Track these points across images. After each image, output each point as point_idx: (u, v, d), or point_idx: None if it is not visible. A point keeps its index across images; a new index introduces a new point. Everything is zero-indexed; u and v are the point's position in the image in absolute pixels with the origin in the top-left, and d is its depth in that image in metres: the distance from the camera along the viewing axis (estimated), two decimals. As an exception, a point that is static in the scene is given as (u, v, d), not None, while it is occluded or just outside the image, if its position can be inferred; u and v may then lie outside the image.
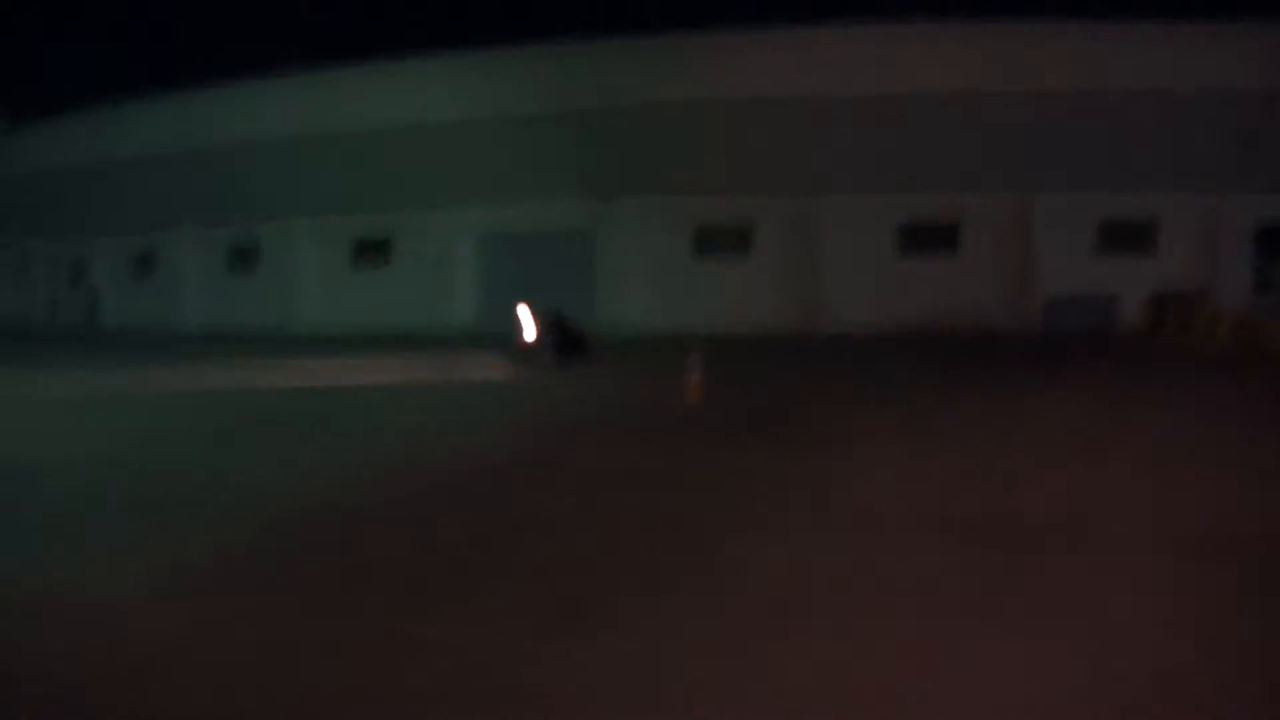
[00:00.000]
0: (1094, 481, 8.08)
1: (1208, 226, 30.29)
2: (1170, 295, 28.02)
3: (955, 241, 30.65)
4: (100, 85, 41.03)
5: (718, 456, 9.65)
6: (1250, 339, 22.79)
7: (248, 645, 4.60)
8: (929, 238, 30.64)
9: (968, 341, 24.98)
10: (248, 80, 34.13)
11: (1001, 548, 6.06)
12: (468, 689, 4.04)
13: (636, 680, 4.11)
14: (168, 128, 35.74)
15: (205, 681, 4.19)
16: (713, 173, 30.05)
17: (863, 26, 28.30)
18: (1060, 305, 29.25)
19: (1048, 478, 8.29)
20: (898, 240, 30.78)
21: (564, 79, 29.63)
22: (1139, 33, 27.90)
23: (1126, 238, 30.53)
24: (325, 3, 49.86)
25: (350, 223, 35.15)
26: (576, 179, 30.98)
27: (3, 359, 25.47)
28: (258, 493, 8.21)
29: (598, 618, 4.89)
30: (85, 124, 39.15)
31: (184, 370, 20.68)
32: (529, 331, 19.88)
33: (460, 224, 33.40)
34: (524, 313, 20.03)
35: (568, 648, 4.46)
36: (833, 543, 6.34)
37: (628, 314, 31.20)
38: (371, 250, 35.44)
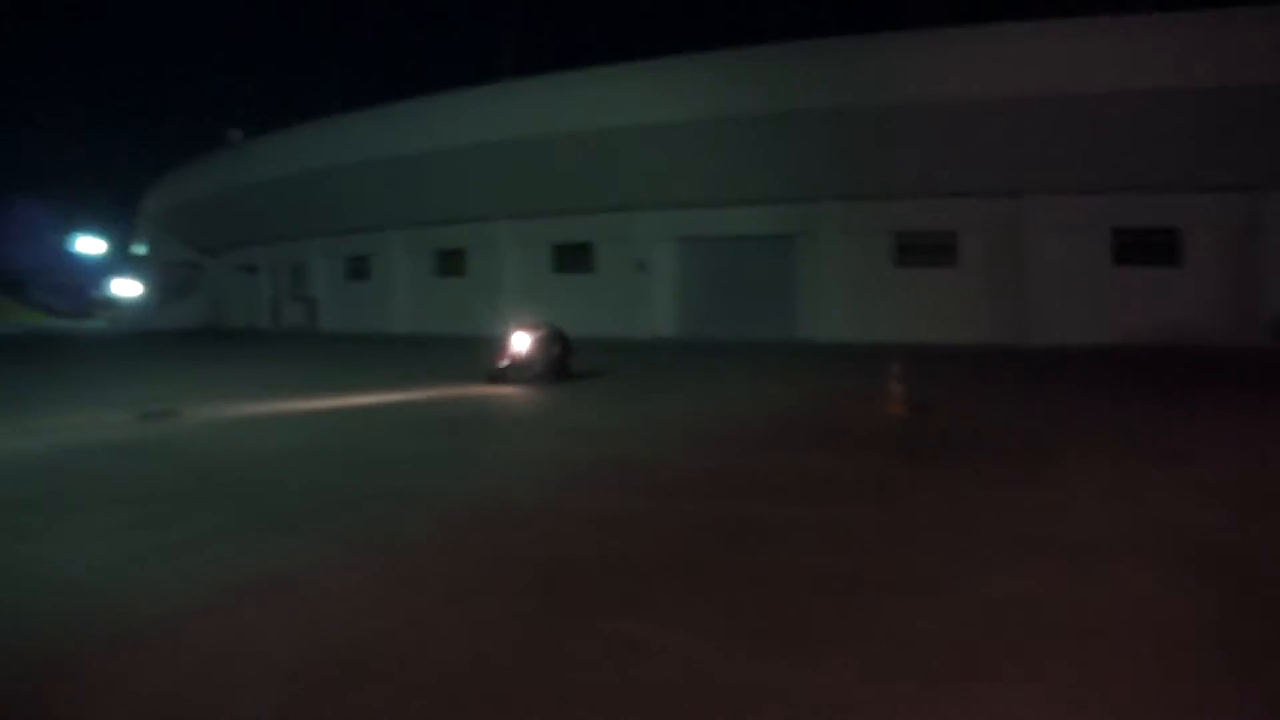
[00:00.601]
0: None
1: None
2: None
3: (1175, 249, 29.05)
4: (321, 101, 43.81)
5: (922, 471, 9.51)
6: None
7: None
8: (1146, 246, 29.17)
9: (1189, 359, 23.65)
10: (458, 90, 35.80)
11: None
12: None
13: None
14: (381, 138, 37.78)
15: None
16: (916, 178, 29.56)
17: (1076, 21, 27.05)
18: (1292, 320, 27.43)
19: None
20: (1112, 248, 29.41)
21: (765, 82, 29.59)
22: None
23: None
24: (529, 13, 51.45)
25: (552, 226, 36.28)
26: (778, 184, 31.00)
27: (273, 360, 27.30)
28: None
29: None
30: (306, 137, 41.84)
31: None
32: (518, 348, 17.45)
33: (661, 228, 33.96)
34: (518, 333, 17.63)
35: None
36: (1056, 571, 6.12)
37: (826, 323, 31.06)
38: (572, 254, 36.45)
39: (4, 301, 75.11)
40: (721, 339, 31.17)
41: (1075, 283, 29.13)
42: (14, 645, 4.98)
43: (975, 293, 29.92)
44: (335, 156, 39.48)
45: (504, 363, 17.33)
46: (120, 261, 72.14)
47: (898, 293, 30.73)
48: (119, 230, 74.06)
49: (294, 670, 4.43)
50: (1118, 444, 10.71)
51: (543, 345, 17.53)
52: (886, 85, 28.11)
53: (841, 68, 28.62)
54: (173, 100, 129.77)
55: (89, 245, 78.61)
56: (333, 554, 6.38)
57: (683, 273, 34.20)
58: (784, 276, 32.34)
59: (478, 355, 21.26)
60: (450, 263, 40.01)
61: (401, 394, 16.10)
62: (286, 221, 45.11)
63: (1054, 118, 26.95)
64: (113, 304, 70.29)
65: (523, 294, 36.86)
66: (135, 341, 38.33)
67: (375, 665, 4.44)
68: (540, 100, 33.34)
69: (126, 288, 67.72)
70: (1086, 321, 28.63)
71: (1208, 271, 28.69)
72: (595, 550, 6.34)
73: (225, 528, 7.35)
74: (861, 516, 7.35)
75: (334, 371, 22.23)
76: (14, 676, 4.57)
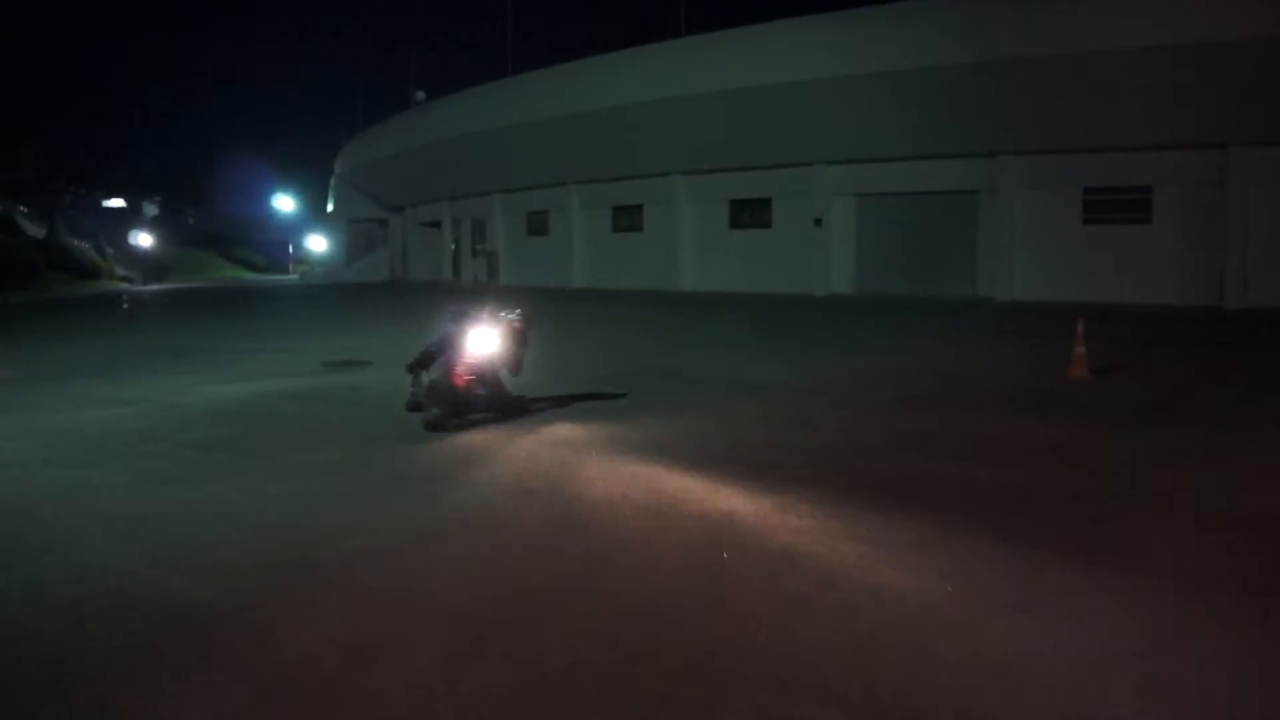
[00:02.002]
0: None
1: None
2: None
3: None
4: (498, 62, 45.16)
5: (1100, 436, 9.45)
6: None
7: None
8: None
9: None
10: (634, 47, 36.28)
11: None
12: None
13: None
14: (559, 96, 38.63)
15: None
16: (1106, 130, 28.26)
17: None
18: None
19: None
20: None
21: (947, 34, 28.81)
22: None
23: None
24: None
25: (729, 181, 36.41)
26: (959, 137, 30.26)
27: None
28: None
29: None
30: (486, 96, 43.23)
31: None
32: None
33: (839, 183, 33.72)
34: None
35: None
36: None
37: (1008, 281, 30.30)
38: (749, 210, 36.60)
39: (210, 256, 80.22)
40: (899, 297, 30.83)
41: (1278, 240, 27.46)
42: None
43: (1170, 251, 28.52)
44: (515, 115, 40.60)
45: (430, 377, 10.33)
46: (313, 220, 76.25)
47: (1085, 250, 29.61)
48: (313, 190, 78.17)
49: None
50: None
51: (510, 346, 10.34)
52: (1073, 33, 26.98)
53: (1026, 16, 27.56)
54: (363, 63, 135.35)
55: (285, 204, 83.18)
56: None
57: (861, 229, 33.91)
58: (964, 233, 31.65)
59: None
60: (627, 218, 40.69)
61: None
62: (468, 178, 46.77)
63: (1258, 64, 25.31)
64: (306, 259, 74.42)
65: (699, 250, 37.33)
66: (326, 294, 40.62)
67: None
68: (717, 56, 33.45)
69: (318, 244, 71.54)
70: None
71: None
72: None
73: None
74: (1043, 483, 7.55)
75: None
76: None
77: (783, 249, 34.93)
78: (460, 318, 10.13)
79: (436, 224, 53.72)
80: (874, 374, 14.02)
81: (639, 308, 28.97)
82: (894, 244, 33.11)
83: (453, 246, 51.73)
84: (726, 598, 5.02)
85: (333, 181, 67.48)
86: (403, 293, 39.80)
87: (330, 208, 68.73)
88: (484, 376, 10.10)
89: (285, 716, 3.89)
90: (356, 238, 64.63)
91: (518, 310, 10.48)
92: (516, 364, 10.38)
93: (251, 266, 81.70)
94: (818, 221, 33.80)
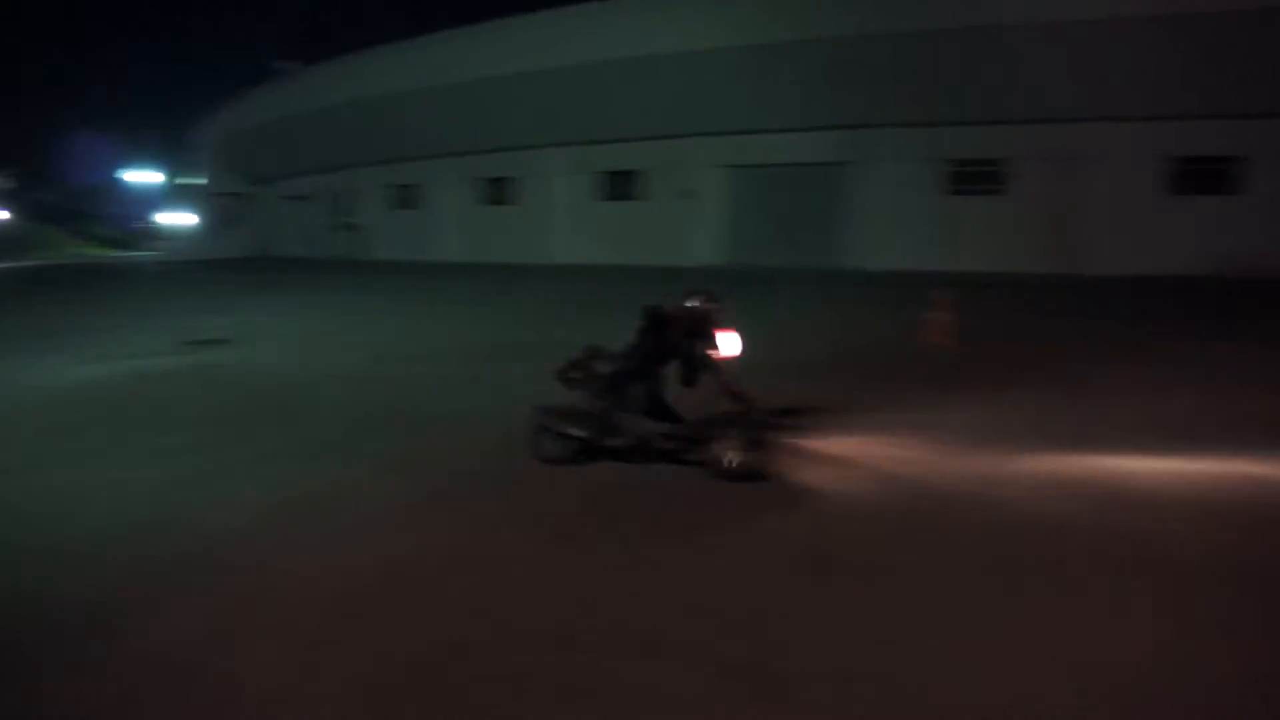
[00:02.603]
0: None
1: None
2: None
3: (1237, 177, 28.37)
4: (374, 29, 43.80)
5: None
6: None
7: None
8: (1205, 174, 28.52)
9: (1247, 289, 23.26)
10: (507, 17, 35.63)
11: None
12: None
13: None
14: (429, 66, 37.79)
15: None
16: (967, 104, 28.99)
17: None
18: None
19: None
20: (1168, 176, 28.78)
21: (818, 7, 29.16)
22: None
23: None
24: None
25: (599, 153, 36.12)
26: (827, 110, 30.59)
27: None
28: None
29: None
30: (356, 66, 41.95)
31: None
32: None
33: (711, 155, 33.73)
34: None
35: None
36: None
37: (876, 251, 30.85)
38: (621, 182, 36.38)
39: (64, 234, 76.25)
40: (770, 268, 31.08)
41: (1129, 211, 28.61)
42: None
43: (1028, 221, 29.47)
44: (384, 85, 39.57)
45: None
46: (170, 193, 73.00)
47: (949, 221, 30.38)
48: (170, 162, 74.81)
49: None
50: (1145, 364, 11.29)
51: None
52: (938, 8, 27.57)
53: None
54: (224, 31, 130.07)
55: (141, 177, 79.47)
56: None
57: (732, 201, 34.02)
58: (834, 204, 32.06)
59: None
60: (499, 191, 40.04)
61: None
62: (336, 150, 45.36)
63: (1111, 42, 26.29)
64: (165, 234, 71.25)
65: (571, 222, 36.97)
66: (187, 271, 38.99)
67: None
68: (589, 26, 33.12)
69: (177, 218, 68.55)
70: (1142, 251, 28.13)
71: (1271, 200, 28.01)
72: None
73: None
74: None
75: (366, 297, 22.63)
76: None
77: (655, 221, 34.87)
78: (696, 311, 7.31)
79: (305, 197, 52.05)
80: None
81: (503, 282, 28.56)
82: (765, 215, 33.34)
83: (320, 221, 50.17)
84: None
85: (195, 154, 64.76)
86: (268, 269, 38.39)
87: (191, 181, 65.92)
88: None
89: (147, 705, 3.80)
90: (221, 212, 62.15)
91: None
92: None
93: (111, 243, 77.93)
94: (686, 193, 33.83)
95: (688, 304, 7.29)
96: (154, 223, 75.05)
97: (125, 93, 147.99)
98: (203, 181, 62.92)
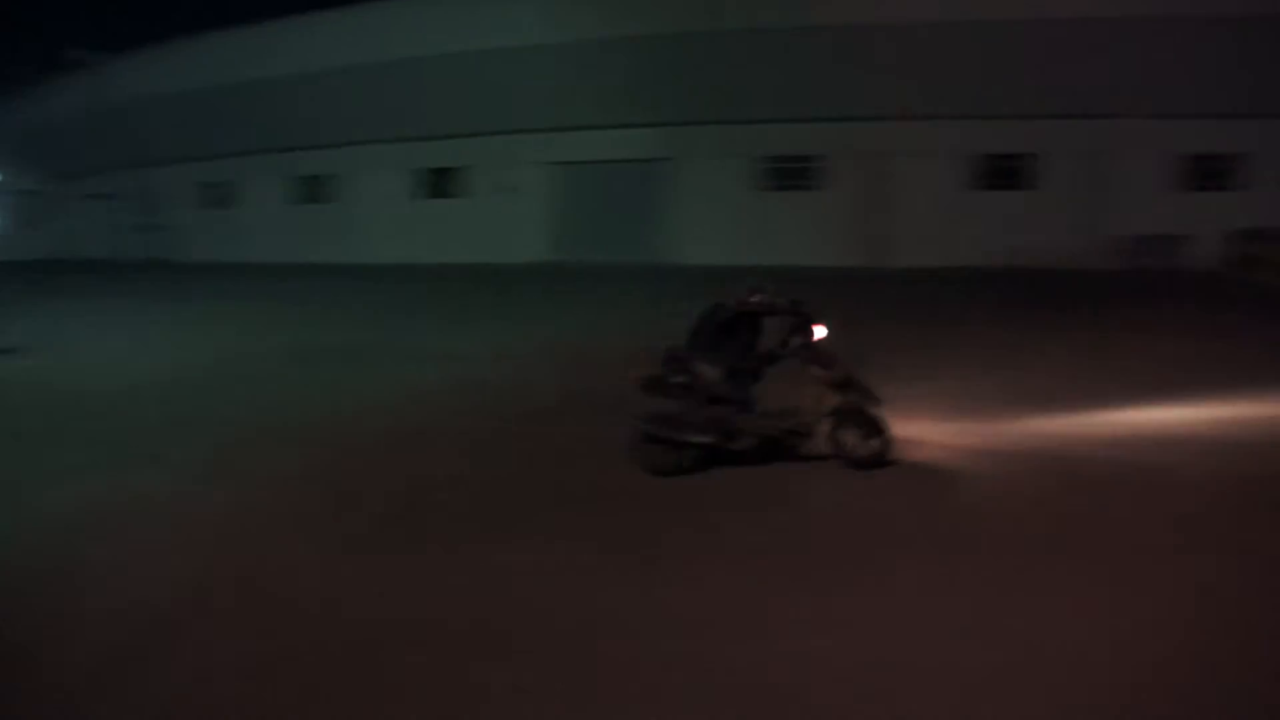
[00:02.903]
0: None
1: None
2: (1255, 232, 27.29)
3: (1029, 174, 30.04)
4: (177, 20, 41.66)
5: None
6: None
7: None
8: (1002, 170, 30.10)
9: (1039, 279, 24.62)
10: (319, 10, 34.43)
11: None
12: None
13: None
14: (242, 60, 36.14)
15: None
16: (784, 102, 29.69)
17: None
18: (1137, 243, 28.63)
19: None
20: (969, 172, 30.23)
21: (636, 6, 29.30)
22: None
23: (1209, 172, 29.72)
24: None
25: (418, 150, 35.32)
26: (649, 107, 30.77)
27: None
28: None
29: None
30: (163, 58, 39.77)
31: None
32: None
33: (532, 152, 33.44)
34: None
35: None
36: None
37: (695, 246, 31.23)
38: (439, 179, 35.65)
39: None
40: (593, 264, 31.08)
41: (933, 207, 29.88)
42: None
43: (838, 215, 30.42)
44: (193, 78, 37.66)
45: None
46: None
47: (762, 216, 31.05)
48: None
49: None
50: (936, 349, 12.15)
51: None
52: (754, 8, 28.10)
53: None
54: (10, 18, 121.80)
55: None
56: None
57: (553, 197, 33.82)
58: (653, 200, 32.31)
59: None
60: (316, 189, 38.67)
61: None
62: (142, 146, 42.89)
63: (920, 43, 27.38)
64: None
65: (392, 220, 36.07)
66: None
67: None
68: (408, 21, 32.30)
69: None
70: (945, 244, 29.37)
71: (1061, 196, 29.74)
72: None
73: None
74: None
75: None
76: None
77: (477, 218, 34.34)
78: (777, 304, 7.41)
79: (109, 196, 49.05)
80: (564, 339, 13.94)
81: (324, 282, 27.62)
82: (587, 212, 33.30)
83: (125, 220, 47.39)
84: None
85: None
86: (67, 272, 36.12)
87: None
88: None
89: None
90: (16, 211, 58.10)
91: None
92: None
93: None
94: (507, 190, 33.49)
95: (754, 299, 7.24)
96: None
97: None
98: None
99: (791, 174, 31.12)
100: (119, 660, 4.03)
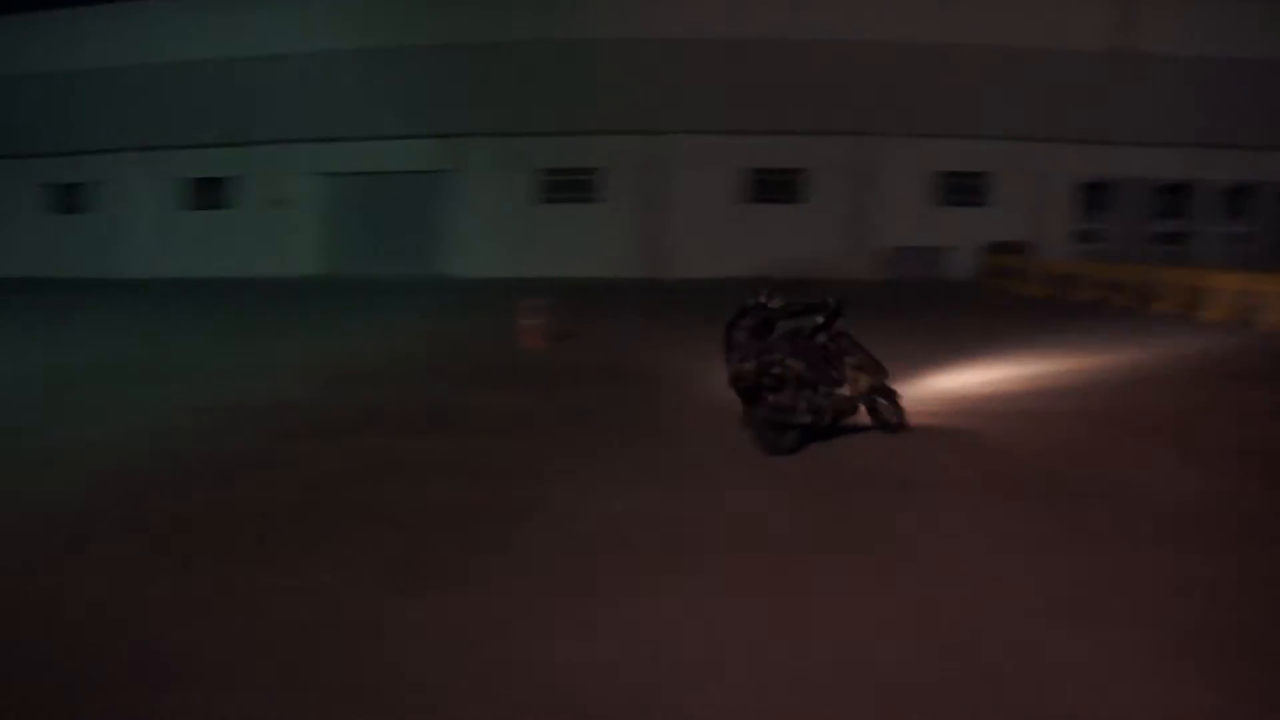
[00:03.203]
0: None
1: (1037, 179, 31.69)
2: (1002, 245, 29.29)
3: (800, 188, 31.24)
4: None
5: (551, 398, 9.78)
6: (1070, 286, 24.14)
7: None
8: (775, 184, 31.18)
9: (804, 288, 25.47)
10: (78, 6, 32.13)
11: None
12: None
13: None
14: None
15: None
16: (562, 115, 29.77)
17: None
18: (901, 254, 30.17)
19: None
20: (744, 186, 31.18)
21: (411, 15, 28.75)
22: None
23: (963, 189, 31.70)
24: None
25: (186, 159, 33.42)
26: (426, 119, 30.23)
27: None
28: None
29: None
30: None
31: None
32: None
33: (307, 162, 32.24)
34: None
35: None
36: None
37: (474, 259, 30.91)
38: (210, 189, 33.86)
39: None
40: (370, 277, 30.24)
41: (710, 219, 30.62)
42: None
43: (618, 228, 30.76)
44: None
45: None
46: None
47: (543, 228, 31.05)
48: None
49: None
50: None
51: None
52: (535, 21, 28.10)
53: (489, 4, 28.17)
54: None
55: None
56: None
57: (328, 209, 32.72)
58: (432, 213, 31.80)
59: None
60: (70, 198, 35.86)
61: None
62: None
63: (697, 60, 27.99)
64: None
65: (153, 232, 33.94)
66: None
67: None
68: (173, 23, 30.65)
69: None
70: (720, 255, 30.10)
71: (828, 209, 31.06)
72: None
73: None
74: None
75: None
76: None
77: (247, 230, 32.72)
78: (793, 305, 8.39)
79: None
80: (336, 355, 13.33)
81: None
82: (363, 224, 32.38)
83: None
84: None
85: None
86: None
87: None
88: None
89: None
90: None
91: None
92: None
93: None
94: (278, 202, 32.17)
95: (773, 304, 8.15)
96: None
97: None
98: None
99: (571, 186, 31.23)
100: None
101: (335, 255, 32.38)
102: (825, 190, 31.12)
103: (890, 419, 8.45)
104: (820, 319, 8.38)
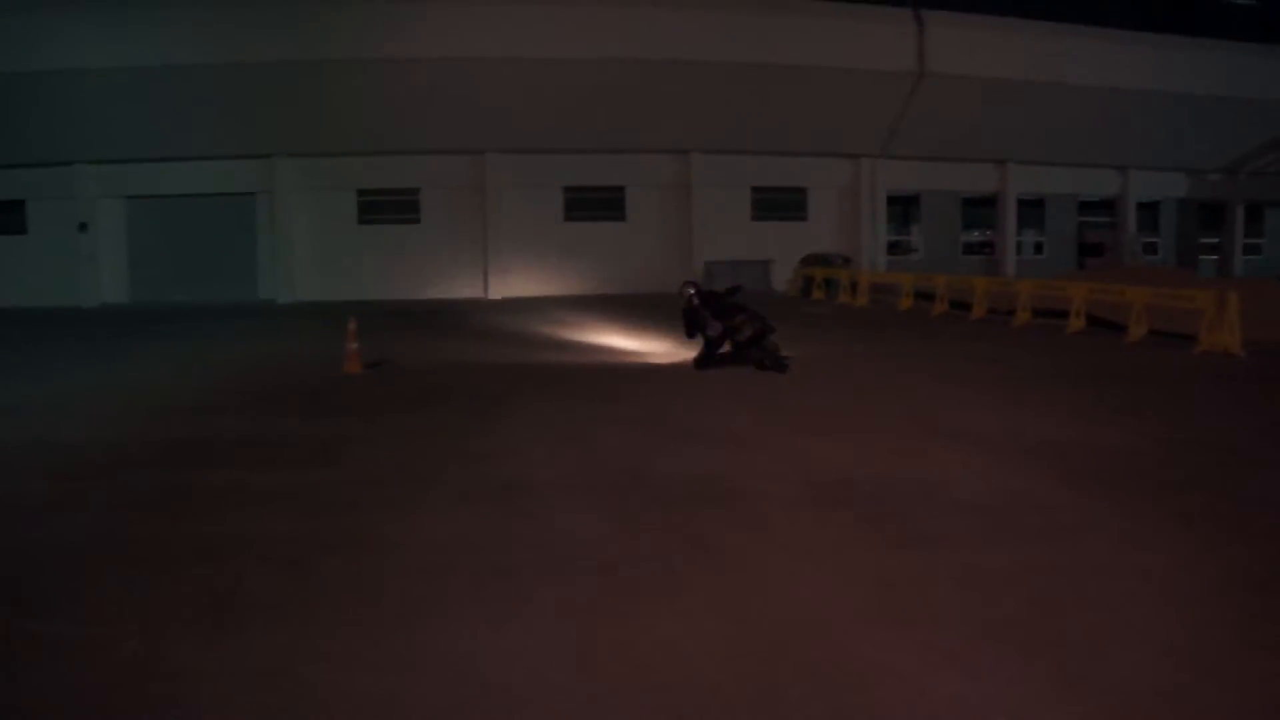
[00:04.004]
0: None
1: (851, 193, 32.88)
2: (818, 257, 30.19)
3: (621, 205, 31.57)
4: None
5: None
6: (883, 296, 25.14)
7: None
8: (597, 201, 31.42)
9: (628, 302, 25.74)
10: None
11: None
12: None
13: None
14: None
15: None
16: (378, 135, 29.17)
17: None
18: (719, 268, 30.73)
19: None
20: (565, 204, 31.31)
21: (213, 31, 27.35)
22: (791, 10, 29.14)
23: (779, 203, 32.61)
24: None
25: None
26: (236, 139, 29.10)
27: None
28: None
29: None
30: None
31: None
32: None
33: (107, 184, 30.60)
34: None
35: None
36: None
37: (289, 283, 30.03)
38: (1, 213, 31.64)
39: None
40: (178, 304, 28.91)
41: (531, 236, 30.62)
42: None
43: (436, 249, 30.44)
44: None
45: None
46: None
47: (361, 251, 30.48)
48: None
49: None
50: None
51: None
52: (343, 40, 27.27)
53: (297, 19, 27.15)
54: None
55: None
56: None
57: (133, 234, 31.12)
58: (244, 236, 30.75)
59: None
60: None
61: None
62: None
63: (511, 81, 27.76)
64: None
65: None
66: None
67: None
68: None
69: None
70: (545, 273, 30.12)
71: (649, 226, 31.47)
72: None
73: None
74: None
75: None
76: None
77: (42, 257, 30.68)
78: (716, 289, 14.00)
79: None
80: (143, 387, 12.54)
81: None
82: (170, 249, 30.85)
83: None
84: None
85: None
86: None
87: None
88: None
89: None
90: None
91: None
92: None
93: None
94: (82, 226, 30.35)
95: (692, 288, 13.44)
96: None
97: None
98: None
99: (392, 206, 30.77)
100: None
101: (142, 282, 30.83)
102: (644, 207, 31.61)
103: (766, 362, 12.65)
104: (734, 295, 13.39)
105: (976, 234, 36.20)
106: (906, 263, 33.39)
